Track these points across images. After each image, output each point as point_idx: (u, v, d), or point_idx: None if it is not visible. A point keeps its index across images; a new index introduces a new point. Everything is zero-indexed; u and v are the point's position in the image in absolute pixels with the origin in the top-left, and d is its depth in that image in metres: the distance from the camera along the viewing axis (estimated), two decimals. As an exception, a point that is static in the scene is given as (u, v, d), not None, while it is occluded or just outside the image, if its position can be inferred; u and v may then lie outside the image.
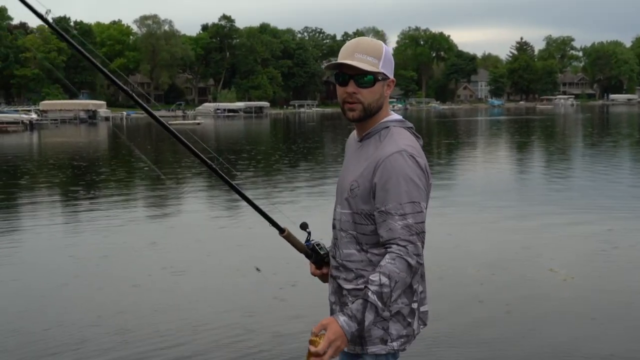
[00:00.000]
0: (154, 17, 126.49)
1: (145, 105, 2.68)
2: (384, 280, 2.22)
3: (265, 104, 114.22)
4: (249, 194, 2.74)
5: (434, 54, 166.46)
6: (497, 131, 47.05)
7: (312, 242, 2.71)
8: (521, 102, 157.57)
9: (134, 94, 2.73)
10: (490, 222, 11.11)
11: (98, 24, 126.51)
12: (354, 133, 2.66)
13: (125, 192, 16.47)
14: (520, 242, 9.36)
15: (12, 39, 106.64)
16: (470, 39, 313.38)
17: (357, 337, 2.47)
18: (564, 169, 20.60)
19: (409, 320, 2.49)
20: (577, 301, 6.69)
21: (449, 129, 51.62)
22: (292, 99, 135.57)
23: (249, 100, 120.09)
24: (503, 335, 5.77)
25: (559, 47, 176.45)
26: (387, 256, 2.29)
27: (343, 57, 2.44)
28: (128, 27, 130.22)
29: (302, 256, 2.78)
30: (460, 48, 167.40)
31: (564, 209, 12.17)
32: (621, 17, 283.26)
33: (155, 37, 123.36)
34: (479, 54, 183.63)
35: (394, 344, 2.46)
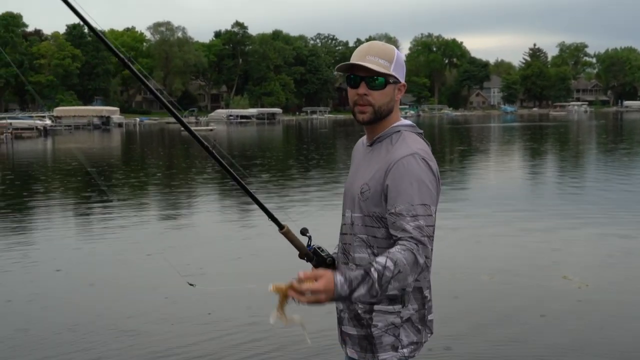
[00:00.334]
0: (168, 24, 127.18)
1: (179, 115, 2.68)
2: (389, 264, 2.17)
3: (278, 110, 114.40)
4: (259, 196, 2.73)
5: (446, 61, 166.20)
6: (511, 138, 46.89)
7: (313, 246, 2.67)
8: (534, 109, 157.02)
9: (167, 103, 2.71)
10: (503, 228, 11.05)
11: (112, 31, 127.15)
12: (363, 139, 2.66)
13: (139, 197, 16.51)
14: (534, 248, 9.31)
15: (27, 45, 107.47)
16: (483, 45, 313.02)
17: (368, 344, 2.47)
18: (578, 176, 20.49)
19: (419, 326, 2.48)
20: (591, 309, 6.63)
21: (462, 136, 51.49)
22: (305, 106, 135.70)
23: (262, 106, 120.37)
24: (514, 341, 5.73)
25: (572, 54, 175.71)
26: (397, 246, 2.24)
27: (355, 60, 2.45)
28: (141, 34, 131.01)
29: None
30: (472, 55, 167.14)
31: (577, 215, 12.09)
32: (635, 23, 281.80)
33: (169, 44, 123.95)
34: (492, 61, 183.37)
35: (405, 350, 2.45)
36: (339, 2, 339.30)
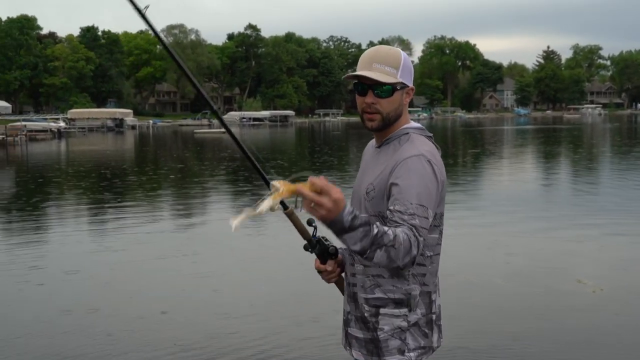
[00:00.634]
0: (181, 27, 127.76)
1: (223, 119, 2.79)
2: (390, 233, 2.12)
3: (291, 112, 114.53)
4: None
5: (459, 63, 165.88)
6: (524, 140, 46.71)
7: (318, 236, 2.58)
8: (548, 112, 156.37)
9: (213, 106, 2.82)
10: (517, 231, 10.99)
11: (125, 34, 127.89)
12: (373, 141, 2.66)
13: (153, 200, 16.56)
14: (548, 252, 9.25)
15: (42, 48, 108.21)
16: (496, 47, 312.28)
17: (374, 347, 2.46)
18: (592, 179, 20.37)
19: (426, 331, 2.46)
20: (605, 313, 6.57)
21: (475, 138, 51.34)
22: (317, 108, 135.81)
23: (274, 109, 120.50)
24: (528, 345, 5.68)
25: (586, 56, 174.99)
26: (399, 228, 2.19)
27: (361, 68, 2.45)
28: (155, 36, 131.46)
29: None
30: (486, 57, 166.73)
31: (592, 219, 12.01)
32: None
33: (182, 47, 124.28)
34: (505, 63, 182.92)
35: (412, 354, 2.43)
36: (351, 4, 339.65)
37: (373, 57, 2.45)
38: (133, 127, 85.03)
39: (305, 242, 2.57)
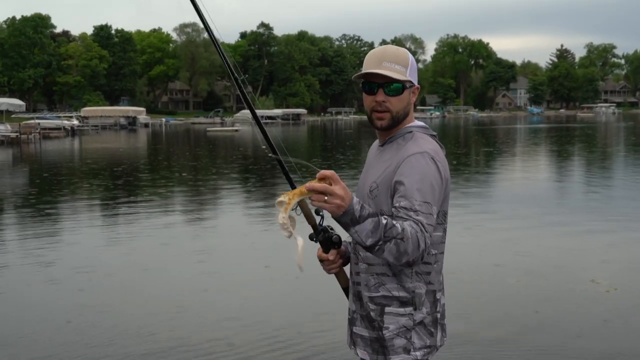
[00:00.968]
0: (194, 25, 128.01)
1: (260, 119, 2.91)
2: (398, 226, 2.14)
3: (303, 111, 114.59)
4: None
5: (472, 62, 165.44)
6: (537, 139, 46.48)
7: (324, 225, 2.53)
8: (561, 110, 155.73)
9: (251, 105, 2.98)
10: (530, 230, 10.91)
11: (138, 32, 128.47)
12: (377, 140, 2.66)
13: (165, 198, 16.61)
14: (561, 251, 9.19)
15: (55, 46, 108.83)
16: (509, 46, 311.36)
17: (379, 346, 2.46)
18: (607, 178, 20.23)
19: (432, 330, 2.46)
20: (620, 313, 6.52)
21: (487, 137, 51.15)
22: (330, 106, 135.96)
23: (287, 107, 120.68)
24: (540, 347, 5.65)
25: (600, 55, 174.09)
26: (406, 222, 2.19)
27: (370, 66, 2.45)
28: (168, 35, 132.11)
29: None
30: (499, 55, 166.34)
31: (606, 218, 11.95)
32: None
33: (195, 45, 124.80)
34: (518, 62, 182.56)
35: (417, 353, 2.43)
36: (364, 3, 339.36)
37: (382, 56, 2.45)
38: (146, 125, 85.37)
39: (311, 232, 2.55)
